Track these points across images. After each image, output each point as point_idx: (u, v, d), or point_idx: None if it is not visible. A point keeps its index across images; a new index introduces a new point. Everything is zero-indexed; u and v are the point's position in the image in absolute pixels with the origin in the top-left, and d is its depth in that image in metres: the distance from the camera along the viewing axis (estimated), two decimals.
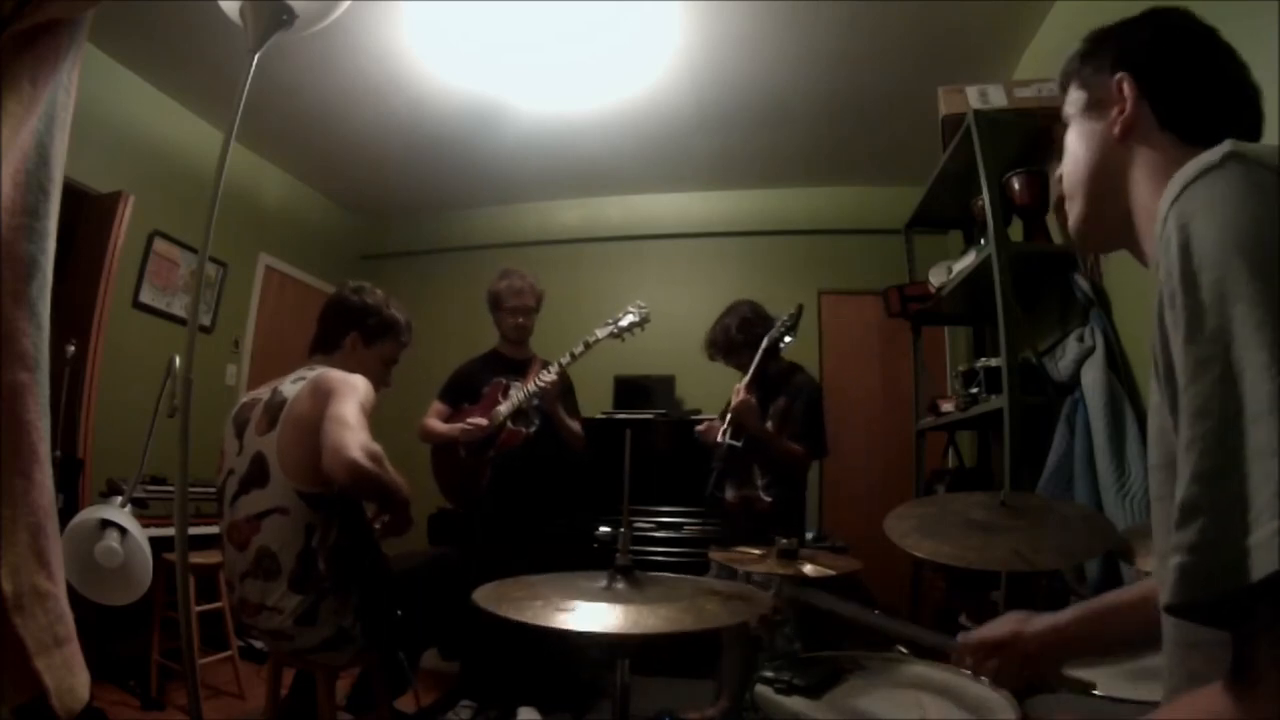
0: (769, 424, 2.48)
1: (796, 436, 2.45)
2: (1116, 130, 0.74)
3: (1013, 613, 0.99)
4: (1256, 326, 0.47)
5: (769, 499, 2.47)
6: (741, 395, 2.40)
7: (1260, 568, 0.43)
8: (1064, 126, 0.83)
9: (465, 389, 2.78)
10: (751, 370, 2.44)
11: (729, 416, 2.46)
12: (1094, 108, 0.78)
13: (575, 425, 2.74)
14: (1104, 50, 0.79)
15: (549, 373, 2.60)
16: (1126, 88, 0.74)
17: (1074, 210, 0.81)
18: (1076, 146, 0.80)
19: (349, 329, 1.91)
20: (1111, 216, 0.76)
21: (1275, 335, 0.46)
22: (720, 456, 2.54)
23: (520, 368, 2.77)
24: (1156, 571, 0.62)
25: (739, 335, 2.57)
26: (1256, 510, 0.44)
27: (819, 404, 2.55)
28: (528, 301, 2.77)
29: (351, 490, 1.60)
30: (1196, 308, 0.51)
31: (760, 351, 2.44)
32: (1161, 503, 0.65)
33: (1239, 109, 0.74)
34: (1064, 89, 0.84)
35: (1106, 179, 0.76)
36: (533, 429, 2.67)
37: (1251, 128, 0.74)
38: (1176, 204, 0.56)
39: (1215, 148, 0.56)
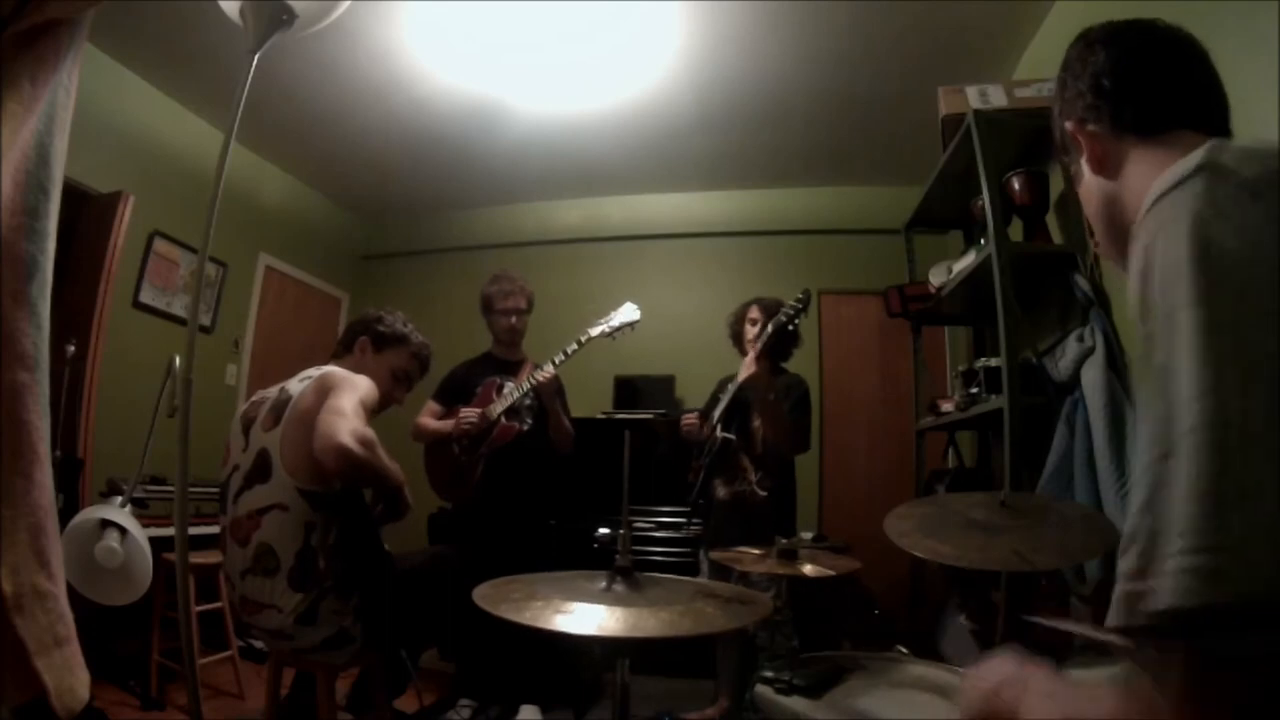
0: (757, 421, 2.50)
1: (785, 426, 2.47)
2: (1092, 166, 0.76)
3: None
4: (1191, 361, 0.48)
5: (764, 491, 2.47)
6: (753, 367, 2.41)
7: (1157, 603, 0.46)
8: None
9: (459, 389, 2.80)
10: (760, 345, 2.45)
11: (732, 390, 2.49)
12: (1076, 163, 0.80)
13: (568, 423, 2.75)
14: (1056, 128, 0.82)
15: (543, 371, 2.62)
16: (1071, 129, 0.76)
17: (1114, 258, 0.80)
18: (1087, 206, 0.81)
19: (360, 334, 1.99)
20: None
21: (1207, 372, 0.46)
22: (709, 452, 2.54)
23: (513, 369, 2.80)
24: None
25: (756, 321, 2.58)
26: (1163, 547, 0.47)
27: (807, 401, 2.57)
28: (519, 303, 2.80)
29: (343, 476, 1.61)
30: (1149, 339, 0.52)
31: (769, 330, 2.44)
32: None
33: (1168, 70, 0.73)
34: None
35: (1117, 215, 0.75)
36: (526, 426, 2.68)
37: (1197, 74, 0.74)
38: (1146, 219, 0.55)
39: (1193, 153, 0.55)
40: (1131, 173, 0.72)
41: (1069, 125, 0.77)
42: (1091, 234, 0.90)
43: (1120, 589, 0.50)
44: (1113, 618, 0.51)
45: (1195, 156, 0.54)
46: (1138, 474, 0.52)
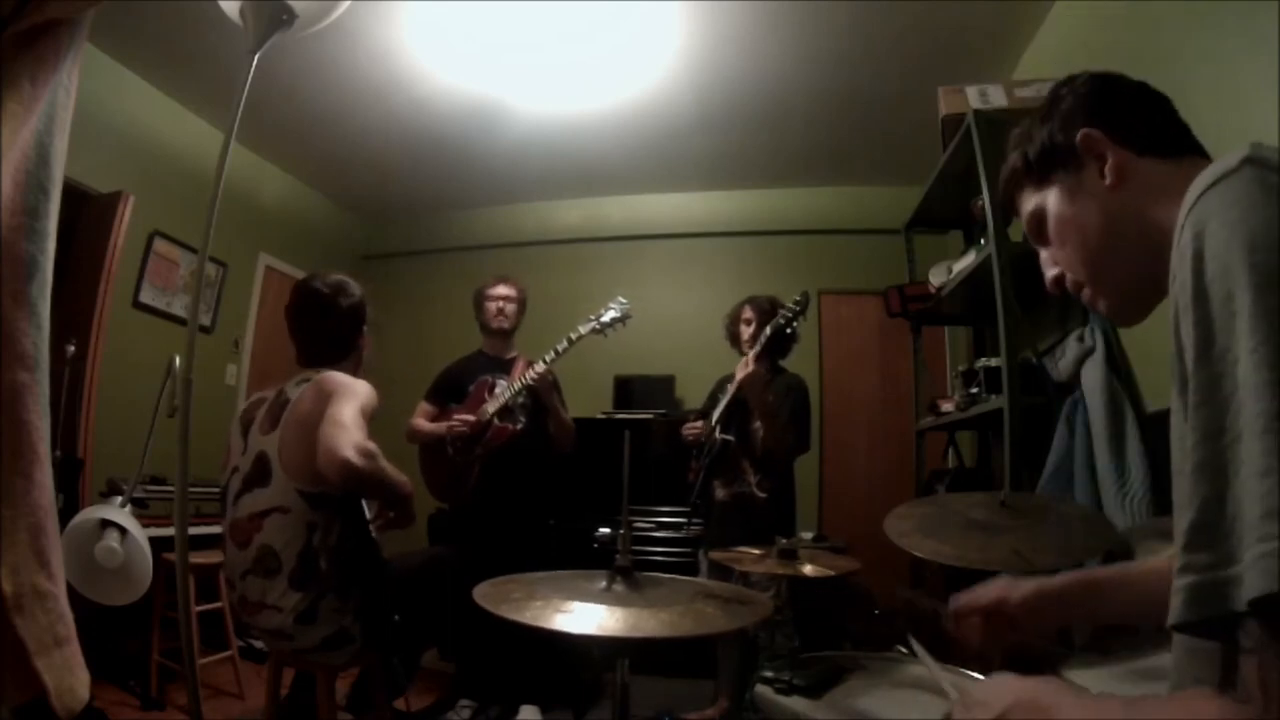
0: (756, 422, 2.49)
1: (783, 428, 2.46)
2: (1109, 180, 0.72)
3: (1003, 577, 0.98)
4: (1255, 345, 0.47)
5: (763, 494, 2.47)
6: (750, 367, 2.41)
7: (1245, 593, 0.44)
8: (1034, 234, 0.81)
9: (451, 388, 2.79)
10: (758, 346, 2.45)
11: (731, 391, 2.48)
12: (1069, 182, 0.75)
13: (568, 419, 2.74)
14: (1048, 136, 0.77)
15: (535, 370, 2.61)
16: (1095, 137, 0.73)
17: (1107, 288, 0.75)
18: (1079, 222, 0.75)
19: (357, 332, 1.94)
20: (1143, 270, 0.70)
21: (1273, 354, 0.46)
22: (708, 453, 2.54)
23: (506, 366, 2.79)
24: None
25: (750, 321, 2.59)
26: (1242, 533, 0.45)
27: (806, 401, 2.56)
28: (508, 292, 2.82)
29: (348, 489, 1.61)
30: (1206, 324, 0.51)
31: (766, 334, 2.44)
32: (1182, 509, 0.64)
33: (1174, 115, 0.75)
34: (1016, 197, 0.82)
35: (1123, 231, 0.72)
36: (520, 426, 2.67)
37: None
38: (1193, 212, 0.55)
39: (1232, 152, 0.55)
40: (1153, 185, 0.70)
41: (1086, 132, 0.73)
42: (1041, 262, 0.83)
43: (1188, 581, 0.49)
44: (1175, 614, 0.49)
45: (1238, 152, 0.55)
46: (1191, 467, 0.50)
